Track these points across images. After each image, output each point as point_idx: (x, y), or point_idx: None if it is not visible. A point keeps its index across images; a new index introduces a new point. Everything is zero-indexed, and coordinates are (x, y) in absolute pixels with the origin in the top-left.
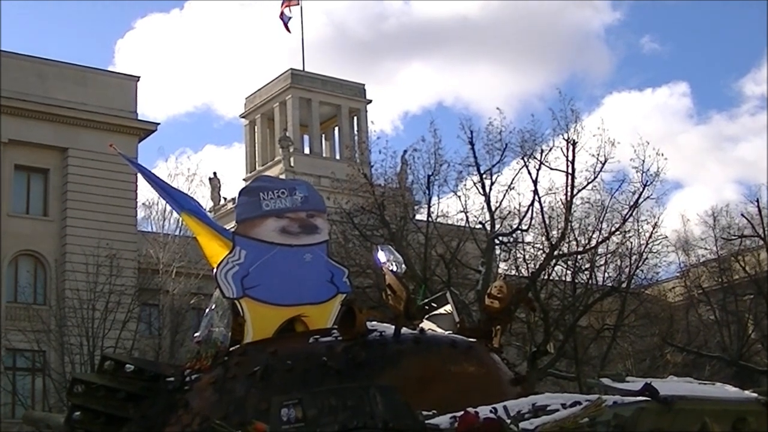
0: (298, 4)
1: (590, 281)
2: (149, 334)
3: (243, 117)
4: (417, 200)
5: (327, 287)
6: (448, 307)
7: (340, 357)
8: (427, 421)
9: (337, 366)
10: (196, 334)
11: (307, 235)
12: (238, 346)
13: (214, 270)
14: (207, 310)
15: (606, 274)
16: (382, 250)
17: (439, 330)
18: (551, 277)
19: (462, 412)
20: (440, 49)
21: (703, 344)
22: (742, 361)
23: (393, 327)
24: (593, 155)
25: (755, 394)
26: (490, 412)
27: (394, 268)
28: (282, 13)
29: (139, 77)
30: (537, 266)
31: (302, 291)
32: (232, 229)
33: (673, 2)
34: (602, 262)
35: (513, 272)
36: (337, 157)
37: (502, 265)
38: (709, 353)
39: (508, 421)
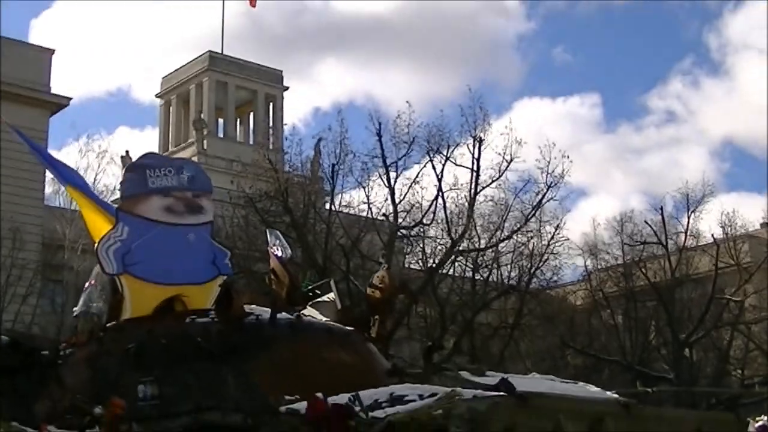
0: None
1: (490, 279)
2: (52, 310)
3: (159, 97)
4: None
5: (209, 268)
6: (331, 295)
7: (214, 339)
8: (287, 406)
9: (211, 347)
10: (74, 309)
11: (191, 214)
12: (115, 322)
13: (95, 245)
14: (86, 284)
15: (507, 273)
16: (270, 234)
17: (321, 317)
18: (454, 273)
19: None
20: (354, 47)
21: (603, 348)
22: (643, 366)
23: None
24: (499, 153)
25: (616, 395)
26: (349, 399)
27: (279, 253)
28: None
29: (54, 50)
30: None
31: (183, 271)
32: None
33: (585, 16)
34: (504, 261)
35: (417, 266)
36: (251, 142)
37: (407, 258)
38: (608, 357)
39: (357, 408)
